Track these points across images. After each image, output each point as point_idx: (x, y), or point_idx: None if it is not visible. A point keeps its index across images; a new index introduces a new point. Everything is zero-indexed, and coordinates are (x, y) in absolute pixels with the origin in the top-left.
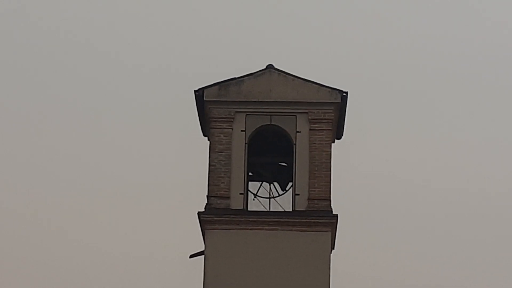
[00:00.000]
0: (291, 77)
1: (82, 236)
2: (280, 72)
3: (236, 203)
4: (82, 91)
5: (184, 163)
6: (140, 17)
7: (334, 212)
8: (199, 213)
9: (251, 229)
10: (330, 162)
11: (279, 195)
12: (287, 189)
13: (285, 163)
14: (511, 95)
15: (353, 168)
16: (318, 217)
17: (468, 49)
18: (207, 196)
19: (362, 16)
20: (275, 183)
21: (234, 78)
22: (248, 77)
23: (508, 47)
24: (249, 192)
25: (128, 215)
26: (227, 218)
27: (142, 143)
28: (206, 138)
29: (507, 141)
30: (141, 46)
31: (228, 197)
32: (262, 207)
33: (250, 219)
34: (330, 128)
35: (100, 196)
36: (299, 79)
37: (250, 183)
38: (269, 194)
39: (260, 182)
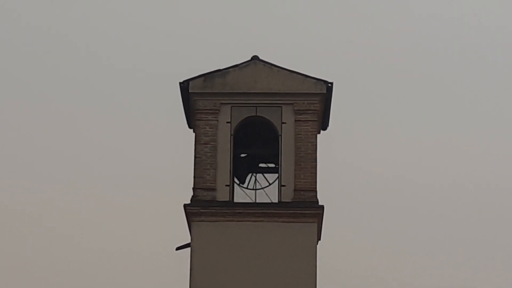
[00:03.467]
0: (276, 68)
1: (68, 230)
2: (265, 64)
3: (222, 195)
4: (67, 87)
5: (170, 155)
6: (123, 10)
7: (320, 203)
8: (185, 205)
9: (237, 221)
10: (316, 153)
11: (265, 187)
12: (273, 180)
13: (271, 154)
14: (502, 94)
15: (339, 159)
16: (304, 208)
17: (458, 45)
18: (193, 188)
19: (347, 8)
20: (261, 175)
21: (219, 70)
22: (233, 68)
23: (502, 48)
24: (235, 184)
25: (114, 208)
26: (213, 210)
27: (128, 136)
28: (192, 130)
29: (497, 136)
30: (125, 40)
31: (214, 189)
32: (248, 198)
33: (236, 211)
34: (316, 119)
35: (86, 189)
36: (284, 70)
37: (235, 174)
38: (255, 186)
39: (246, 174)
